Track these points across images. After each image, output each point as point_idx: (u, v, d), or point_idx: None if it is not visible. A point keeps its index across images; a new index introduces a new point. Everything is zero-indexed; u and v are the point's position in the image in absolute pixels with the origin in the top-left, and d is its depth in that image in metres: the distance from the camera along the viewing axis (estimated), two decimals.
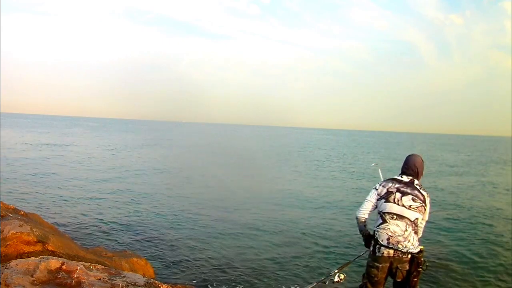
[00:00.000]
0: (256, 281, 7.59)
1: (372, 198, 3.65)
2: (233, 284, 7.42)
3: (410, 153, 3.86)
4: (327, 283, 3.85)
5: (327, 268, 8.38)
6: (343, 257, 9.10)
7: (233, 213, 13.06)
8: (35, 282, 3.60)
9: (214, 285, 7.36)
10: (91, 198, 14.41)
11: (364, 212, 3.69)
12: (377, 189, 3.62)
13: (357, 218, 3.73)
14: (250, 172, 24.51)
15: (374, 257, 3.51)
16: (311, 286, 3.93)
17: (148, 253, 8.74)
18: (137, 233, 10.33)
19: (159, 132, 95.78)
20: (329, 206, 15.21)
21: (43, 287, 3.56)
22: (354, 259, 4.12)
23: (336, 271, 3.84)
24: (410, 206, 3.44)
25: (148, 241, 9.75)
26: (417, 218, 3.46)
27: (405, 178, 3.58)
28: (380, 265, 3.46)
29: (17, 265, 3.84)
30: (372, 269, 3.50)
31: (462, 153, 56.57)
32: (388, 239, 3.42)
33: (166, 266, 8.13)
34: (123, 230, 10.53)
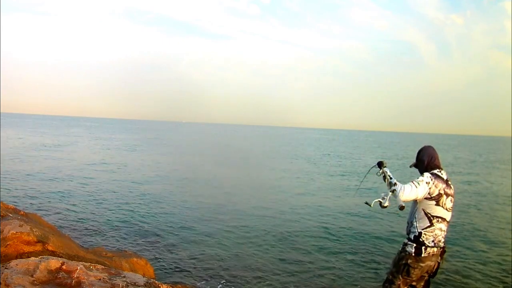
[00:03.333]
0: (256, 281, 7.59)
1: (422, 193, 3.42)
2: (234, 284, 7.42)
3: (425, 145, 3.82)
4: (372, 206, 3.46)
5: (327, 263, 8.40)
6: (340, 250, 9.13)
7: (233, 213, 13.06)
8: (35, 282, 3.60)
9: (214, 285, 7.36)
10: (91, 198, 14.41)
11: (407, 201, 3.42)
12: (430, 187, 3.45)
13: (396, 197, 3.36)
14: (249, 172, 24.53)
15: (419, 258, 3.49)
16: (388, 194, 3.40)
17: (148, 253, 8.73)
18: (137, 233, 10.33)
19: (158, 132, 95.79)
20: (325, 203, 15.23)
21: (43, 287, 3.56)
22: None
23: (385, 170, 3.57)
24: (450, 208, 3.55)
25: (148, 241, 9.75)
26: (451, 217, 3.61)
27: (444, 175, 3.57)
28: (424, 264, 3.51)
29: (17, 265, 3.84)
30: (415, 270, 3.51)
31: (460, 153, 56.60)
32: (433, 240, 3.51)
33: (166, 266, 8.13)
34: (123, 230, 10.53)
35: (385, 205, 3.37)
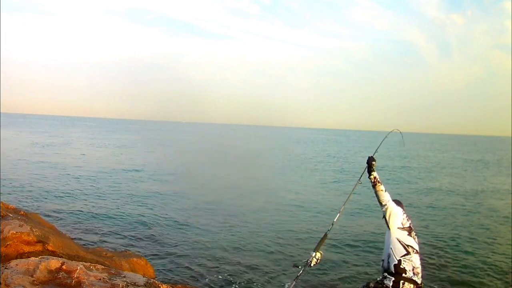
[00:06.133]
0: (255, 281, 7.59)
1: (399, 219, 3.62)
2: (233, 283, 7.43)
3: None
4: (302, 269, 3.78)
5: (329, 264, 8.41)
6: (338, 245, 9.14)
7: (232, 213, 13.06)
8: (35, 282, 3.60)
9: (215, 285, 7.36)
10: (91, 198, 14.41)
11: (388, 215, 3.64)
12: (403, 218, 3.66)
13: (384, 207, 3.64)
14: (246, 172, 24.53)
15: None
16: (293, 283, 3.82)
17: (148, 253, 8.74)
18: (137, 233, 10.34)
19: (158, 132, 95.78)
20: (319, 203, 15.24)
21: (43, 287, 3.56)
22: (329, 230, 3.93)
23: (314, 254, 3.79)
24: (418, 242, 3.70)
25: (148, 241, 9.75)
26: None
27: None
28: None
29: (17, 265, 3.84)
30: None
31: (460, 153, 56.59)
32: (412, 270, 3.57)
33: (166, 266, 8.13)
34: (123, 230, 10.54)
35: (312, 264, 3.75)
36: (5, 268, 3.73)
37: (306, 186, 20.38)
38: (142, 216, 12.25)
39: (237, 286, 7.34)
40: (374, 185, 3.68)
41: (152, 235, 10.25)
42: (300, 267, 3.79)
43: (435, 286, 7.62)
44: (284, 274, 8.00)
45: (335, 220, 3.94)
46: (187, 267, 8.14)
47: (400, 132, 4.21)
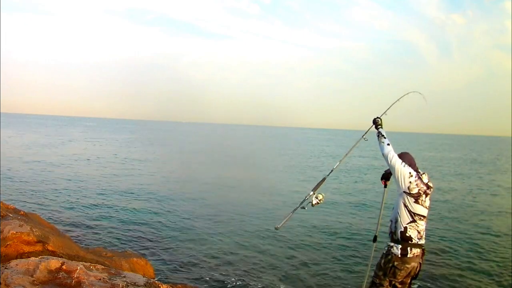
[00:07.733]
0: (255, 281, 7.59)
1: (405, 174, 3.55)
2: (233, 283, 7.42)
3: (402, 152, 3.88)
4: (306, 208, 3.80)
5: (324, 263, 8.41)
6: (340, 246, 9.15)
7: (233, 214, 13.06)
8: (35, 282, 3.60)
9: (214, 285, 7.36)
10: (91, 198, 14.41)
11: (390, 165, 3.65)
12: (411, 182, 3.55)
13: (386, 157, 3.71)
14: (246, 172, 24.53)
15: (405, 259, 3.54)
16: (288, 216, 3.85)
17: (148, 253, 8.74)
18: (137, 233, 10.33)
19: (159, 132, 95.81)
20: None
21: (43, 287, 3.56)
22: (328, 174, 4.00)
23: (312, 193, 3.81)
24: (428, 206, 3.65)
25: (148, 241, 9.75)
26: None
27: (425, 178, 3.65)
28: (410, 265, 3.56)
29: (17, 265, 3.84)
30: (401, 271, 3.56)
31: (459, 153, 56.59)
32: (417, 235, 3.57)
33: (166, 266, 8.13)
34: (123, 230, 10.54)
35: (314, 203, 3.77)
36: (5, 268, 3.73)
37: (307, 186, 20.37)
38: (143, 216, 12.25)
39: (237, 286, 7.34)
40: (378, 138, 3.86)
41: (153, 235, 10.25)
42: (302, 204, 3.81)
43: (430, 280, 7.63)
44: (285, 274, 8.00)
45: (335, 167, 4.08)
46: (187, 267, 8.14)
47: (420, 93, 4.32)
